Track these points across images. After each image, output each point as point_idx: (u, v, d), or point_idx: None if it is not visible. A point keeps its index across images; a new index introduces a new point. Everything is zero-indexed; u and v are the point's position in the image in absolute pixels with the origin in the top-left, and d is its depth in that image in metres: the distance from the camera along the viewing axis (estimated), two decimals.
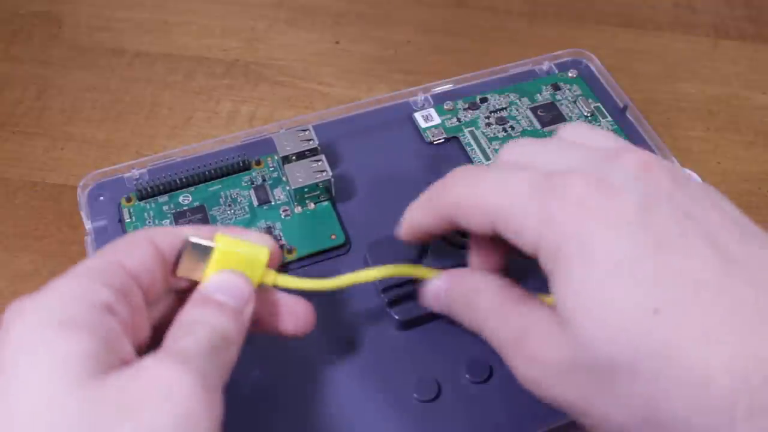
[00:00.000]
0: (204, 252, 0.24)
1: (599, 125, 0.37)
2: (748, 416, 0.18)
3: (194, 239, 0.24)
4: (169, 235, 0.24)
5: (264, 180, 0.35)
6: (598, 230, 0.20)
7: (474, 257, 0.27)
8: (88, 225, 0.34)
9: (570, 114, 0.38)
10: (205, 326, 0.22)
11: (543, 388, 0.22)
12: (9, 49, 0.45)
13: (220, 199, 0.34)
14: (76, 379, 0.19)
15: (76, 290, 0.21)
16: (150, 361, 0.20)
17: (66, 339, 0.19)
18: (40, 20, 0.47)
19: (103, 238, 0.33)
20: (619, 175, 0.22)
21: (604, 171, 0.22)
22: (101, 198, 0.35)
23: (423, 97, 0.39)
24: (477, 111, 0.38)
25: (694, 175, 0.37)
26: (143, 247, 0.23)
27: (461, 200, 0.24)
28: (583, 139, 0.25)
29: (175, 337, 0.22)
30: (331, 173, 0.34)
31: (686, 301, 0.19)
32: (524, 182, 0.22)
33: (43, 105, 0.42)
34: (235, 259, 0.24)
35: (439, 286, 0.27)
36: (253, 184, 0.35)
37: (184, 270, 0.24)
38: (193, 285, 0.24)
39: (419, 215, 0.26)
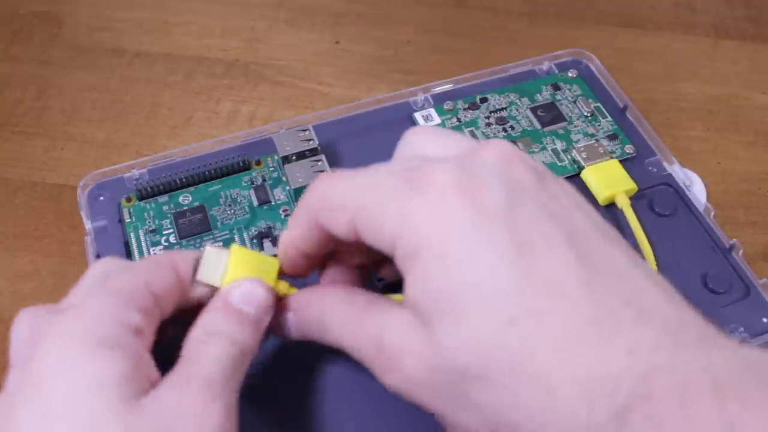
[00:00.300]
0: (220, 259, 0.24)
1: (599, 125, 0.37)
2: (591, 429, 0.17)
3: (212, 248, 0.25)
4: (188, 258, 0.24)
5: (264, 180, 0.35)
6: (459, 230, 0.19)
7: (326, 272, 0.26)
8: (88, 225, 0.34)
9: (570, 114, 0.38)
10: (225, 340, 0.22)
11: (407, 395, 0.21)
12: (9, 49, 0.45)
13: (220, 199, 0.34)
14: (113, 402, 0.19)
15: (110, 311, 0.21)
16: (178, 386, 0.20)
17: (103, 360, 0.20)
18: (40, 20, 0.47)
19: (103, 238, 0.33)
20: (482, 171, 0.21)
21: (466, 166, 0.21)
22: (101, 198, 0.35)
23: (423, 97, 0.39)
24: (477, 111, 0.38)
25: (695, 176, 0.37)
26: (167, 270, 0.23)
27: (324, 200, 0.23)
28: (434, 149, 0.23)
29: (198, 349, 0.22)
30: None
31: (543, 310, 0.18)
32: (387, 177, 0.21)
33: (43, 105, 0.42)
34: (249, 268, 0.25)
35: (287, 318, 0.25)
36: (253, 184, 0.35)
37: (203, 275, 0.24)
38: (191, 311, 0.24)
39: (293, 233, 0.24)
